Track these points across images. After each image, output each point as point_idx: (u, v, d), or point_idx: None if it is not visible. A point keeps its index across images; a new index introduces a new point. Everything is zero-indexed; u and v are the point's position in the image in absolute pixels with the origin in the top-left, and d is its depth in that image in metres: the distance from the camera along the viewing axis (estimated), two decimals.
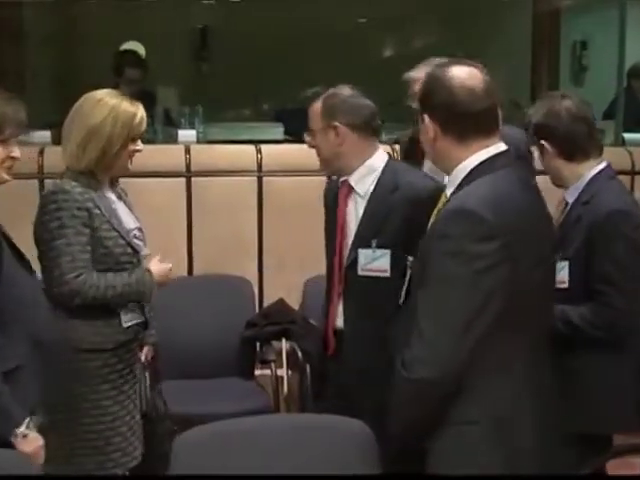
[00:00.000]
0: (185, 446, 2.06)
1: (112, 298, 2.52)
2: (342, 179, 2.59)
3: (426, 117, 1.89)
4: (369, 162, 2.56)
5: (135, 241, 2.62)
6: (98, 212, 2.52)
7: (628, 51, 5.27)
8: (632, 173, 4.18)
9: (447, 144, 1.88)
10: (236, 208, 3.85)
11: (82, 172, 2.55)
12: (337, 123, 2.52)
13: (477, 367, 1.79)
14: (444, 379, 1.77)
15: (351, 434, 2.09)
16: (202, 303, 3.72)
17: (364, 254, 2.47)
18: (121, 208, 2.67)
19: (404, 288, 2.06)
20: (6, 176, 2.45)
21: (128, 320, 2.59)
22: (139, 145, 2.61)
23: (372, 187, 2.54)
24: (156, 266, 2.63)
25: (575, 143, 2.47)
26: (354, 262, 2.51)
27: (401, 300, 2.09)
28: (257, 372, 3.70)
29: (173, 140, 4.09)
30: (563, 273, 2.40)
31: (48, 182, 3.73)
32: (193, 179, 3.79)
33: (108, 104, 2.55)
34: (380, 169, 2.55)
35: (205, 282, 3.83)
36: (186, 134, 4.06)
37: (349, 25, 6.73)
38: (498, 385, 1.82)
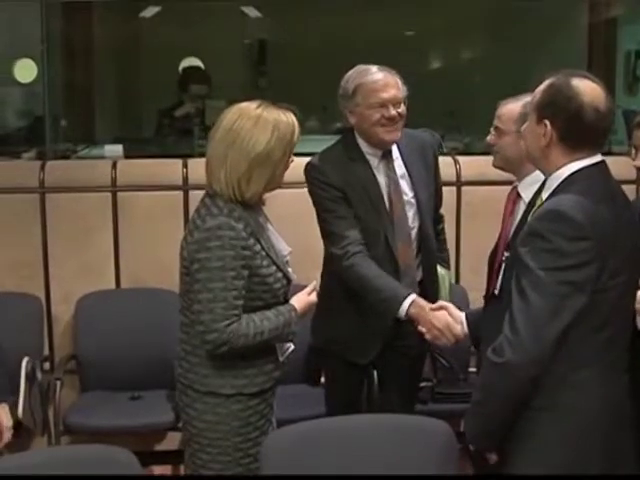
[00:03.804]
0: (273, 447, 2.13)
1: (259, 344, 2.34)
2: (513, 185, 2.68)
3: (547, 122, 1.98)
4: (537, 172, 2.57)
5: (288, 270, 2.44)
6: (259, 248, 2.32)
7: None
8: None
9: (558, 150, 2.01)
10: (301, 219, 3.91)
11: (233, 199, 2.30)
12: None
13: (557, 358, 1.91)
14: (528, 364, 1.90)
15: (435, 434, 2.15)
16: None
17: None
18: (273, 234, 2.47)
19: (499, 281, 2.12)
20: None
21: (284, 352, 2.46)
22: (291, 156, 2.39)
23: (532, 192, 2.58)
24: (301, 303, 2.44)
25: None
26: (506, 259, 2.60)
27: (497, 291, 2.16)
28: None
29: None
30: None
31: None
32: None
33: (268, 123, 2.29)
34: (543, 179, 2.59)
35: None
36: None
37: (406, 37, 6.80)
38: (575, 377, 1.95)
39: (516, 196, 2.68)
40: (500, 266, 2.60)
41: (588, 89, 1.96)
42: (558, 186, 2.00)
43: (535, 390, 1.94)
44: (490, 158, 2.73)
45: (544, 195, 2.06)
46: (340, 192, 2.87)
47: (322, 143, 3.10)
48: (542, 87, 2.03)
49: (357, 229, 2.85)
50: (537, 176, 2.58)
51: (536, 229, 1.93)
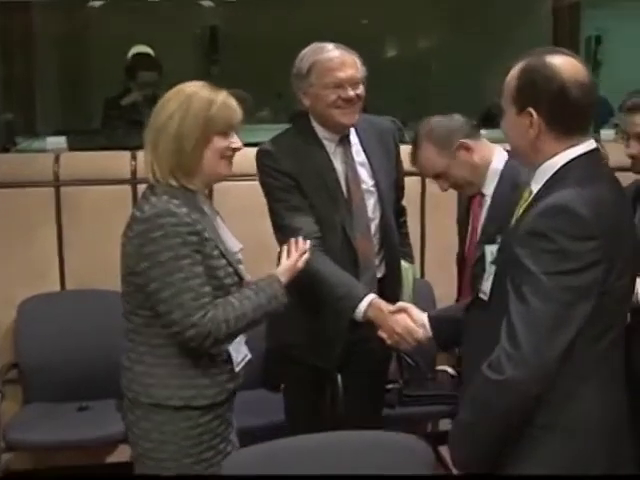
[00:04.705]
0: (232, 470, 1.95)
1: (244, 328, 2.17)
2: None
3: (532, 110, 1.79)
4: (492, 166, 2.60)
5: (240, 267, 2.25)
6: (207, 236, 2.12)
7: None
8: None
9: (550, 139, 1.81)
10: (255, 212, 3.74)
11: (172, 185, 2.13)
12: (459, 142, 2.57)
13: (562, 371, 1.73)
14: (531, 381, 1.71)
15: (410, 451, 1.99)
16: None
17: (490, 250, 2.42)
18: (223, 229, 2.28)
19: (488, 284, 1.97)
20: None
21: (239, 362, 2.27)
22: (234, 141, 2.17)
23: (494, 186, 2.58)
24: (283, 272, 2.29)
25: None
26: (481, 258, 2.46)
27: (484, 296, 2.01)
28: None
29: None
30: None
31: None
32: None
33: (183, 94, 2.14)
34: (501, 169, 2.58)
35: None
36: None
37: (363, 24, 6.70)
38: (581, 390, 1.77)
39: (480, 197, 2.63)
40: (473, 268, 2.48)
41: (566, 64, 1.78)
42: (550, 178, 1.81)
43: (538, 406, 1.75)
44: None
45: (533, 187, 1.86)
46: (293, 180, 2.69)
47: (276, 132, 2.91)
48: (515, 73, 1.82)
49: (312, 220, 2.68)
50: (493, 170, 2.59)
51: (536, 227, 1.72)
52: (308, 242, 2.42)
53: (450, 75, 6.30)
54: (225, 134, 2.16)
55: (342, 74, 2.63)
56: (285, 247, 2.38)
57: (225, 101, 2.16)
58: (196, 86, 2.17)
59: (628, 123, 2.49)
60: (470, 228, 2.71)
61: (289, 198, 2.69)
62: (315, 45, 2.69)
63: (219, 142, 2.15)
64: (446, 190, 2.71)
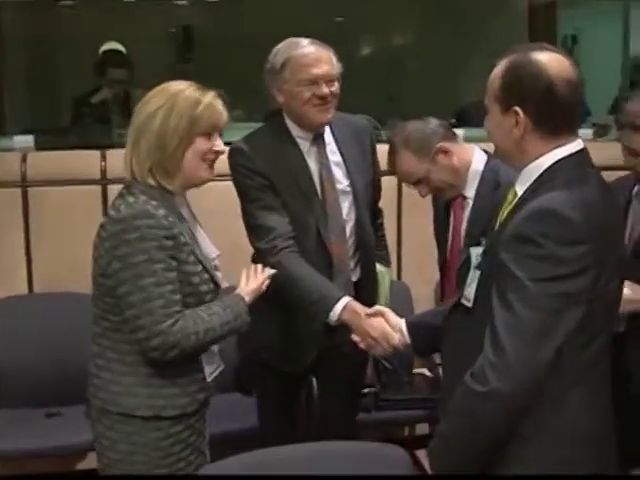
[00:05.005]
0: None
1: (210, 342, 2.12)
2: None
3: (518, 109, 1.72)
4: (472, 167, 2.60)
5: (217, 274, 2.19)
6: (184, 240, 2.07)
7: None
8: None
9: (536, 139, 1.74)
10: (230, 213, 3.68)
11: (151, 185, 2.08)
12: (437, 146, 2.56)
13: (548, 379, 1.67)
14: (517, 392, 1.64)
15: (387, 458, 1.93)
16: None
17: (475, 252, 2.31)
18: (200, 234, 2.23)
19: (471, 291, 1.89)
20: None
21: (212, 371, 2.21)
22: (217, 144, 2.13)
23: (475, 188, 2.58)
24: (248, 293, 2.24)
25: None
26: (467, 260, 2.36)
27: (469, 302, 1.92)
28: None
29: None
30: None
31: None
32: None
33: (168, 92, 2.08)
34: (481, 170, 2.58)
35: None
36: None
37: (338, 22, 6.67)
38: (568, 398, 1.71)
39: (462, 200, 2.61)
40: (460, 272, 2.42)
41: (553, 61, 1.72)
42: (537, 179, 1.74)
43: (525, 413, 1.68)
44: None
45: (519, 189, 1.79)
46: (266, 180, 2.62)
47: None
48: (499, 70, 1.75)
49: (286, 220, 2.62)
50: (474, 171, 2.58)
51: (523, 232, 1.65)
52: (267, 270, 2.37)
53: (425, 73, 6.29)
54: (208, 135, 2.11)
55: (317, 70, 2.56)
56: (245, 271, 2.33)
57: (212, 102, 2.11)
58: (182, 85, 2.12)
59: (635, 141, 2.40)
60: (452, 231, 2.67)
61: (262, 197, 2.63)
62: (290, 40, 2.62)
63: (202, 144, 2.10)
64: (425, 196, 2.68)
